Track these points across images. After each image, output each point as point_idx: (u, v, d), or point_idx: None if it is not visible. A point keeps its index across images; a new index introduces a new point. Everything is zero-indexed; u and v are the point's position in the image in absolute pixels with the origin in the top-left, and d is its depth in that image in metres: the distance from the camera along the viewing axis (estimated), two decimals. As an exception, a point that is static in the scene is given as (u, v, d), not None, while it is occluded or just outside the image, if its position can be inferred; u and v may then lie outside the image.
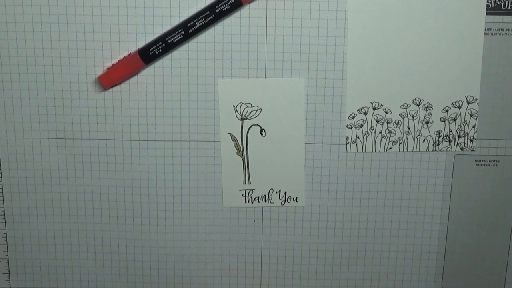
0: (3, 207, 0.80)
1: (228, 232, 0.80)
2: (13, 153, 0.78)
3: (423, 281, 0.82)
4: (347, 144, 0.77)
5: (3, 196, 0.79)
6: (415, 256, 0.81)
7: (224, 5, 0.72)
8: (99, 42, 0.75)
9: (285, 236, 0.81)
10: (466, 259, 0.80)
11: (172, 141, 0.77)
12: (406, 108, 0.76)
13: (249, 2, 0.73)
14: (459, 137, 0.77)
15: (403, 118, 0.76)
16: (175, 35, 0.73)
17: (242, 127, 0.77)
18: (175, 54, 0.75)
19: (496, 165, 0.78)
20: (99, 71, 0.75)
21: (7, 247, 0.81)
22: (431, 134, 0.77)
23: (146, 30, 0.74)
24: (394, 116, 0.76)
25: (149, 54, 0.74)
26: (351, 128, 0.76)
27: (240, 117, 0.77)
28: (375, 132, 0.77)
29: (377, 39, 0.74)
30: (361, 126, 0.76)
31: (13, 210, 0.80)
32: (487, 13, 0.73)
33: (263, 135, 0.77)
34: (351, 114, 0.76)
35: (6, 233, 0.81)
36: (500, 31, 0.74)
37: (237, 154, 0.78)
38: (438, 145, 0.77)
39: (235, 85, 0.76)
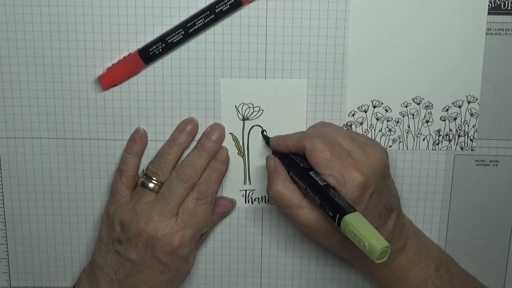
0: (3, 207, 0.80)
1: (228, 232, 0.80)
2: (13, 153, 0.78)
3: (423, 281, 0.81)
4: (347, 142, 0.77)
5: (3, 196, 0.79)
6: (415, 256, 0.81)
7: (224, 5, 0.72)
8: (99, 42, 0.75)
9: (285, 236, 0.81)
10: (466, 259, 0.80)
11: (172, 141, 0.77)
12: (406, 106, 0.76)
13: (249, 2, 0.73)
14: (459, 136, 0.77)
15: (403, 116, 0.76)
16: (175, 35, 0.73)
17: (243, 127, 0.77)
18: (175, 54, 0.75)
19: (496, 165, 0.78)
20: (99, 71, 0.75)
21: (7, 247, 0.81)
22: (431, 133, 0.77)
23: (146, 30, 0.74)
24: (394, 114, 0.76)
25: (149, 54, 0.74)
26: (351, 125, 0.76)
27: (242, 117, 0.77)
28: (375, 130, 0.77)
29: (379, 37, 0.74)
30: (361, 123, 0.76)
31: (13, 210, 0.80)
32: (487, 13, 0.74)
33: (263, 138, 0.77)
34: (351, 112, 0.76)
35: (6, 233, 0.81)
36: (500, 31, 0.74)
37: (238, 154, 0.78)
38: (438, 144, 0.77)
39: (237, 85, 0.76)
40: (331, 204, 0.65)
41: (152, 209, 0.72)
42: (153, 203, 0.73)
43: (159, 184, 0.74)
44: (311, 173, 0.69)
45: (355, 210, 0.64)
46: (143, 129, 0.76)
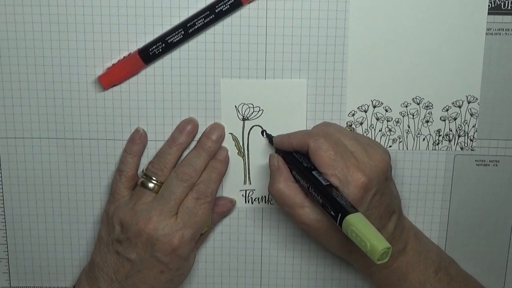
0: (3, 207, 0.80)
1: (228, 232, 0.80)
2: (13, 153, 0.78)
3: (423, 281, 0.81)
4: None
5: (3, 196, 0.79)
6: (415, 256, 0.81)
7: (224, 5, 0.72)
8: (99, 42, 0.75)
9: (285, 236, 0.81)
10: (466, 259, 0.80)
11: (172, 141, 0.77)
12: (406, 106, 0.76)
13: (249, 2, 0.73)
14: (459, 136, 0.77)
15: (403, 116, 0.76)
16: (175, 35, 0.73)
17: (243, 127, 0.77)
18: (175, 54, 0.75)
19: (496, 165, 0.78)
20: (99, 71, 0.75)
21: (7, 247, 0.81)
22: (431, 133, 0.77)
23: (146, 30, 0.74)
24: (394, 114, 0.76)
25: (149, 54, 0.74)
26: (351, 125, 0.76)
27: (242, 117, 0.77)
28: (375, 130, 0.77)
29: (379, 37, 0.74)
30: (361, 123, 0.77)
31: (13, 210, 0.80)
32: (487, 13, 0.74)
33: (264, 136, 0.77)
34: (351, 112, 0.76)
35: (6, 233, 0.81)
36: (500, 31, 0.74)
37: (238, 154, 0.78)
38: (438, 144, 0.77)
39: (237, 85, 0.76)
40: (333, 203, 0.65)
41: (151, 209, 0.72)
42: (152, 203, 0.73)
43: (158, 184, 0.74)
44: (314, 172, 0.69)
45: (357, 211, 0.64)
46: (143, 129, 0.76)
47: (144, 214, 0.72)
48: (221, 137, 0.77)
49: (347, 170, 0.68)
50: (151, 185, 0.74)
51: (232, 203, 0.79)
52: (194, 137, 0.77)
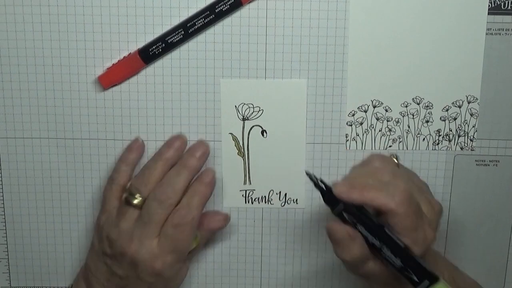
0: (3, 207, 0.80)
1: (228, 232, 0.80)
2: (13, 153, 0.78)
3: (423, 281, 0.81)
4: (346, 141, 0.77)
5: (3, 196, 0.79)
6: (415, 256, 0.81)
7: (224, 5, 0.72)
8: (99, 42, 0.75)
9: (285, 236, 0.80)
10: (466, 259, 0.80)
11: (172, 141, 0.77)
12: (406, 106, 0.76)
13: (249, 2, 0.73)
14: (459, 136, 0.77)
15: (403, 116, 0.76)
16: (175, 35, 0.73)
17: (243, 127, 0.77)
18: (175, 54, 0.75)
19: (496, 165, 0.78)
20: (99, 71, 0.75)
21: (7, 247, 0.81)
22: (431, 133, 0.77)
23: (146, 30, 0.74)
24: (394, 114, 0.76)
25: (149, 54, 0.74)
26: (351, 125, 0.76)
27: (242, 117, 0.77)
28: (375, 130, 0.77)
29: (379, 37, 0.74)
30: (361, 123, 0.76)
31: (13, 210, 0.80)
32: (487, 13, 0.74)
33: (265, 136, 0.77)
34: (351, 112, 0.76)
35: (6, 233, 0.81)
36: (500, 31, 0.74)
37: (238, 154, 0.78)
38: (438, 144, 0.77)
39: (237, 85, 0.76)
40: (418, 270, 0.64)
41: (132, 231, 0.71)
42: (134, 225, 0.71)
43: (143, 199, 0.71)
44: (387, 230, 0.65)
45: (438, 276, 0.64)
46: (142, 140, 0.76)
47: (126, 236, 0.71)
48: (205, 155, 0.73)
49: (423, 233, 0.65)
50: (135, 201, 0.71)
51: (226, 221, 0.77)
52: (182, 153, 0.75)
